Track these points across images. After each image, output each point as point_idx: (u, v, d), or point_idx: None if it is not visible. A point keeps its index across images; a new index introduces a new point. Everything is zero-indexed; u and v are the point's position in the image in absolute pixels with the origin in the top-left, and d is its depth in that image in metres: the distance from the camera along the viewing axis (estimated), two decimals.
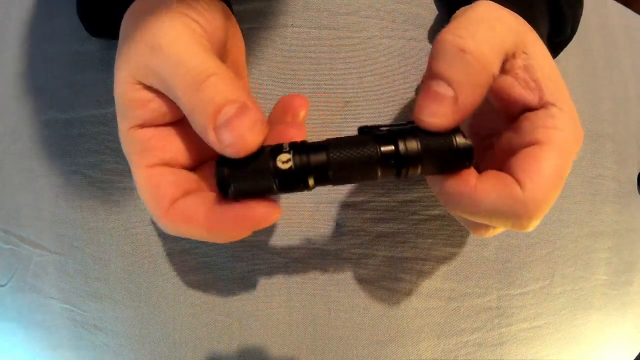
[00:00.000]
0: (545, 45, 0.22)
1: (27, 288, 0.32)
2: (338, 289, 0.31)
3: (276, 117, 0.22)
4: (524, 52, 0.20)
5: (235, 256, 0.30)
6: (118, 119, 0.20)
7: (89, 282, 0.31)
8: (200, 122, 0.18)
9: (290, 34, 0.30)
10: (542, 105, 0.20)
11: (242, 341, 0.31)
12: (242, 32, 0.25)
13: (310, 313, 0.31)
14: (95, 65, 0.31)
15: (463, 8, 0.21)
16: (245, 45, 0.26)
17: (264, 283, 0.31)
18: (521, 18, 0.21)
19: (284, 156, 0.18)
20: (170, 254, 0.31)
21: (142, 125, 0.20)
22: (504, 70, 0.20)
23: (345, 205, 0.31)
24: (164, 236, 0.31)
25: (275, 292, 0.31)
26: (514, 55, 0.20)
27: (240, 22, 0.25)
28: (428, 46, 0.32)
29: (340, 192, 0.31)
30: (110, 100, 0.30)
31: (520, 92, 0.20)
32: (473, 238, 0.32)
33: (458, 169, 0.19)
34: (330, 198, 0.31)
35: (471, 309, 0.33)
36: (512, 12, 0.21)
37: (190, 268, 0.31)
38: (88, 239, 0.31)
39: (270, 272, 0.31)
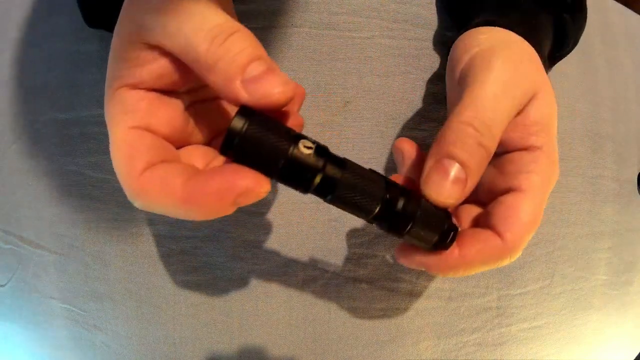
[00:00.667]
0: (546, 59, 0.23)
1: (27, 288, 0.32)
2: (338, 289, 0.31)
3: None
4: (528, 101, 0.21)
5: (235, 256, 0.30)
6: (108, 78, 0.19)
7: (89, 282, 0.31)
8: (224, 73, 0.17)
9: (290, 34, 0.30)
10: (527, 148, 0.22)
11: (242, 341, 0.31)
12: None
13: (310, 313, 0.31)
14: (95, 65, 0.31)
15: (476, 50, 0.22)
16: None
17: (264, 283, 0.31)
18: (538, 63, 0.22)
19: (307, 142, 0.18)
20: (170, 254, 0.31)
21: (134, 86, 0.19)
22: None
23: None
24: (164, 236, 0.31)
25: (275, 292, 0.31)
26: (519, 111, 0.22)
27: (240, 22, 0.25)
28: (428, 46, 0.32)
29: None
30: None
31: (509, 134, 0.21)
32: None
33: (440, 248, 0.20)
34: None
35: (471, 309, 0.33)
36: (528, 54, 0.22)
37: (190, 268, 0.31)
38: (88, 239, 0.31)
39: (270, 272, 0.31)
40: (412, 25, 0.32)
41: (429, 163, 0.21)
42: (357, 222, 0.31)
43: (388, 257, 0.31)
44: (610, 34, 0.39)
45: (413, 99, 0.31)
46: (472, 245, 0.21)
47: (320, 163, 0.18)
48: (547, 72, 0.24)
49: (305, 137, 0.18)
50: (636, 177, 0.38)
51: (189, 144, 0.22)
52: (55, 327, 0.32)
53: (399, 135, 0.31)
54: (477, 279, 0.33)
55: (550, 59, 0.28)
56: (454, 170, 0.20)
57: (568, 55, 0.30)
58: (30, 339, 0.33)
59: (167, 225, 0.31)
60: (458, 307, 0.32)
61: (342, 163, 0.19)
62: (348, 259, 0.31)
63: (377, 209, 0.19)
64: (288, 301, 0.31)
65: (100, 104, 0.31)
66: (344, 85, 0.30)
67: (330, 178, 0.18)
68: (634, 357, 0.40)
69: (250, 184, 0.17)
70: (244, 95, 0.17)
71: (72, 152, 0.31)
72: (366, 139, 0.31)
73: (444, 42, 0.32)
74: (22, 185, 0.32)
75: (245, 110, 0.17)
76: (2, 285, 0.32)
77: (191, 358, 0.31)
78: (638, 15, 0.42)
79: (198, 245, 0.30)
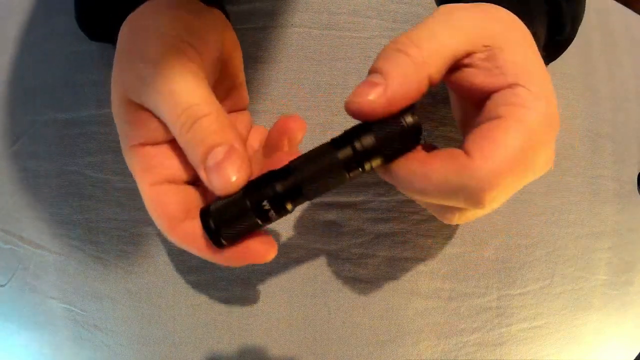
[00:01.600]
0: (544, 43, 0.22)
1: (27, 288, 0.32)
2: (338, 289, 0.31)
3: (272, 140, 0.23)
4: (486, 46, 0.20)
5: None
6: (120, 137, 0.21)
7: (89, 282, 0.31)
8: (192, 160, 0.19)
9: (290, 34, 0.30)
10: (508, 87, 0.20)
11: (242, 341, 0.31)
12: (242, 32, 0.25)
13: (310, 313, 0.31)
14: (95, 65, 0.31)
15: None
16: (246, 45, 0.26)
17: (264, 283, 0.31)
18: (492, 14, 0.21)
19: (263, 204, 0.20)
20: (170, 254, 0.31)
21: (143, 144, 0.21)
22: (465, 64, 0.20)
23: (345, 205, 0.31)
24: (163, 236, 0.31)
25: (275, 292, 0.31)
26: (473, 52, 0.20)
27: (240, 22, 0.25)
28: None
29: (340, 192, 0.31)
30: (110, 100, 0.30)
31: (483, 79, 0.20)
32: (473, 238, 0.32)
33: (412, 148, 0.20)
34: (331, 199, 0.31)
35: (471, 309, 0.33)
36: (481, 10, 0.21)
37: (190, 268, 0.31)
38: (88, 239, 0.31)
39: (270, 272, 0.31)
40: (412, 25, 0.32)
41: None
42: (357, 222, 0.31)
43: (388, 257, 0.32)
44: (610, 34, 0.39)
45: None
46: (437, 156, 0.19)
47: (276, 191, 0.19)
48: (547, 56, 0.23)
49: (253, 184, 0.20)
50: (636, 177, 0.38)
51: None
52: (55, 327, 0.32)
53: None
54: (477, 279, 0.33)
55: (552, 46, 0.27)
56: (370, 77, 0.19)
57: (568, 56, 0.30)
58: (30, 339, 0.33)
59: None
60: (458, 307, 0.32)
61: (289, 170, 0.20)
62: (348, 259, 0.31)
63: (347, 175, 0.19)
64: (288, 301, 0.31)
65: (100, 104, 0.31)
66: (344, 85, 0.30)
67: (292, 191, 0.19)
68: (634, 357, 0.40)
69: (260, 252, 0.20)
70: (208, 184, 0.19)
71: (72, 152, 0.31)
72: None
73: None
74: (22, 185, 0.32)
75: (203, 213, 0.20)
76: (2, 285, 0.32)
77: (191, 358, 0.31)
78: (638, 15, 0.42)
79: None
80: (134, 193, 0.30)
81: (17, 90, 0.32)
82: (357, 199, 0.31)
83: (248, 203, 0.19)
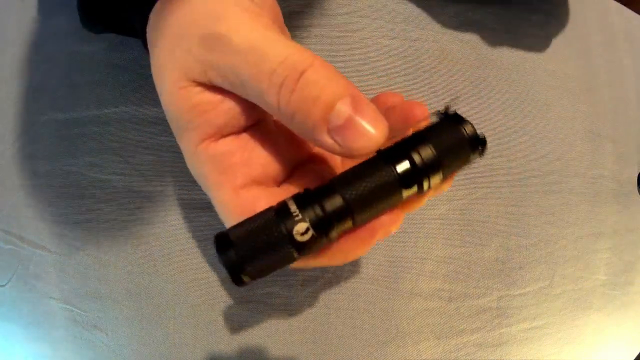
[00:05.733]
0: None
1: (27, 288, 0.32)
2: (338, 289, 0.31)
3: (395, 125, 0.17)
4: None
5: None
6: (180, 134, 0.17)
7: (89, 282, 0.31)
8: (306, 127, 0.15)
9: (290, 34, 0.30)
10: None
11: (242, 341, 0.31)
12: None
13: (310, 313, 0.31)
14: (95, 65, 0.31)
15: None
16: None
17: (264, 283, 0.31)
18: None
19: (300, 227, 0.15)
20: (170, 254, 0.31)
21: (216, 136, 0.16)
22: None
23: None
24: (163, 236, 0.31)
25: (275, 292, 0.31)
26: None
27: None
28: (428, 46, 0.32)
29: None
30: (110, 100, 0.30)
31: None
32: (473, 238, 0.32)
33: (472, 158, 0.18)
34: None
35: (471, 310, 0.33)
36: None
37: (190, 268, 0.31)
38: (88, 239, 0.31)
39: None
40: (412, 25, 0.32)
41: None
42: None
43: (387, 257, 0.31)
44: (610, 34, 0.39)
45: (413, 99, 0.31)
46: None
47: (321, 215, 0.15)
48: None
49: (285, 208, 0.16)
50: (636, 177, 0.38)
51: (299, 162, 0.19)
52: (55, 327, 0.32)
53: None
54: (477, 279, 0.33)
55: None
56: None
57: (568, 56, 0.30)
58: (30, 339, 0.33)
59: (167, 226, 0.31)
60: (458, 308, 0.32)
61: (333, 188, 0.16)
62: None
63: (403, 193, 0.16)
64: (288, 301, 0.31)
65: (100, 104, 0.31)
66: None
67: (340, 214, 0.16)
68: (634, 357, 0.40)
69: (387, 221, 0.16)
70: (337, 148, 0.15)
71: (72, 152, 0.31)
72: None
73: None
74: (22, 185, 0.32)
75: (221, 241, 0.16)
76: (2, 285, 0.32)
77: (191, 358, 0.31)
78: (638, 15, 0.41)
79: (198, 245, 0.30)
80: (134, 193, 0.30)
81: (17, 90, 0.32)
82: None
83: (283, 228, 0.15)
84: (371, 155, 0.16)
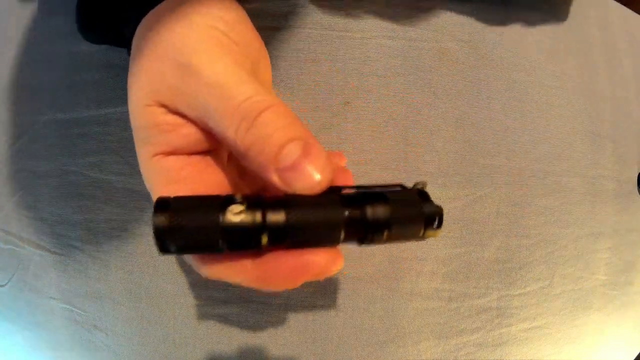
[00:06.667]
0: None
1: (27, 288, 0.32)
2: (338, 289, 0.31)
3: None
4: None
5: None
6: (138, 144, 0.18)
7: (89, 282, 0.31)
8: (257, 163, 0.16)
9: (290, 35, 0.30)
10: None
11: (242, 341, 0.31)
12: None
13: (310, 313, 0.31)
14: (95, 65, 0.31)
15: None
16: None
17: None
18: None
19: (236, 207, 0.16)
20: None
21: (170, 153, 0.17)
22: None
23: None
24: None
25: (275, 292, 0.31)
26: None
27: None
28: (428, 46, 0.32)
29: None
30: (110, 100, 0.30)
31: None
32: (473, 238, 0.32)
33: (426, 235, 0.18)
34: None
35: (471, 310, 0.33)
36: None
37: (190, 268, 0.31)
38: (88, 239, 0.31)
39: None
40: (412, 25, 0.32)
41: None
42: None
43: (388, 257, 0.31)
44: (610, 34, 0.39)
45: (413, 99, 0.31)
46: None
47: (258, 217, 0.16)
48: None
49: (231, 199, 0.16)
50: (636, 177, 0.38)
51: (246, 190, 0.20)
52: (55, 327, 0.32)
53: (399, 136, 0.31)
54: (477, 279, 0.33)
55: None
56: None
57: (568, 56, 0.30)
58: (30, 339, 0.33)
59: None
60: (458, 308, 0.32)
61: (284, 204, 0.16)
62: (348, 259, 0.31)
63: (342, 235, 0.17)
64: (288, 301, 0.31)
65: (100, 104, 0.31)
66: (344, 85, 0.30)
67: (276, 229, 0.16)
68: (634, 357, 0.40)
69: (324, 262, 0.16)
70: (282, 186, 0.16)
71: (72, 152, 0.31)
72: (366, 139, 0.31)
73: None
74: (23, 185, 0.32)
75: (160, 204, 0.16)
76: (2, 285, 0.32)
77: (191, 358, 0.31)
78: (638, 15, 0.42)
79: None
80: (134, 193, 0.30)
81: (17, 90, 0.32)
82: None
83: (220, 218, 0.15)
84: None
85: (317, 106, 0.30)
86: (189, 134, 0.17)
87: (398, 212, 0.17)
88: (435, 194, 0.31)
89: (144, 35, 0.18)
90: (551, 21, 0.36)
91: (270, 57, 0.30)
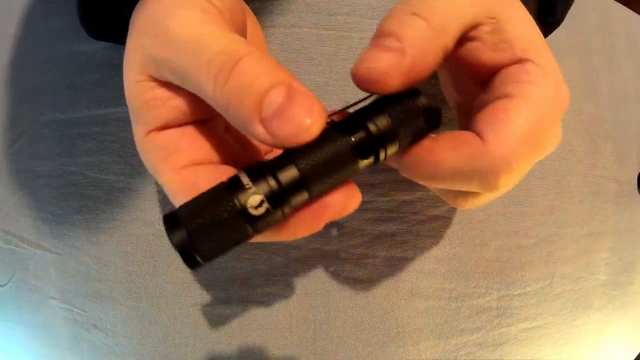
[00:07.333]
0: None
1: (27, 288, 0.32)
2: (338, 289, 0.31)
3: None
4: (491, 17, 0.18)
5: (236, 256, 0.30)
6: (133, 124, 0.18)
7: (89, 282, 0.31)
8: (240, 117, 0.15)
9: (290, 34, 0.30)
10: (516, 62, 0.18)
11: (242, 341, 0.31)
12: None
13: (310, 313, 0.31)
14: (95, 65, 0.31)
15: None
16: None
17: (264, 283, 0.31)
18: None
19: (254, 199, 0.15)
20: (170, 254, 0.31)
21: (163, 128, 0.17)
22: (470, 38, 0.19)
23: None
24: (163, 236, 0.30)
25: (275, 292, 0.31)
26: (479, 24, 0.18)
27: None
28: None
29: None
30: (110, 100, 0.30)
31: (490, 54, 0.18)
32: (473, 238, 0.32)
33: (428, 134, 0.18)
34: None
35: (471, 309, 0.33)
36: None
37: None
38: (88, 239, 0.31)
39: (270, 273, 0.31)
40: None
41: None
42: (357, 222, 0.31)
43: (387, 257, 0.32)
44: (610, 34, 0.39)
45: None
46: (444, 140, 0.17)
47: (276, 187, 0.15)
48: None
49: (237, 181, 0.15)
50: (636, 177, 0.38)
51: (248, 157, 0.20)
52: (55, 327, 0.32)
53: None
54: (477, 279, 0.33)
55: (541, 28, 0.26)
56: (384, 40, 0.16)
57: (568, 56, 0.30)
58: (30, 338, 0.33)
59: None
60: (458, 308, 0.32)
61: (289, 159, 0.15)
62: (348, 259, 0.31)
63: (359, 163, 0.16)
64: (288, 301, 0.31)
65: (100, 104, 0.31)
66: (344, 85, 0.30)
67: (295, 186, 0.15)
68: (634, 357, 0.40)
69: (341, 199, 0.16)
70: (269, 138, 0.15)
71: (72, 152, 0.31)
72: None
73: None
74: (23, 185, 0.32)
75: (169, 220, 0.15)
76: (2, 285, 0.32)
77: (191, 358, 0.31)
78: (638, 15, 0.42)
79: None
80: (134, 193, 0.30)
81: (17, 90, 0.32)
82: None
83: (237, 203, 0.14)
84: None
85: None
86: (178, 106, 0.17)
87: (398, 116, 0.16)
88: (435, 194, 0.31)
89: (135, 16, 0.18)
90: None
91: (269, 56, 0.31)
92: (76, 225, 0.31)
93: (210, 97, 0.15)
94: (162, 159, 0.17)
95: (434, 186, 0.20)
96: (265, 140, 0.15)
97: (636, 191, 0.38)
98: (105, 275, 0.31)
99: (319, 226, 0.16)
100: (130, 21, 0.18)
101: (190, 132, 0.17)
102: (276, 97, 0.14)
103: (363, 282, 0.31)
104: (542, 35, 0.19)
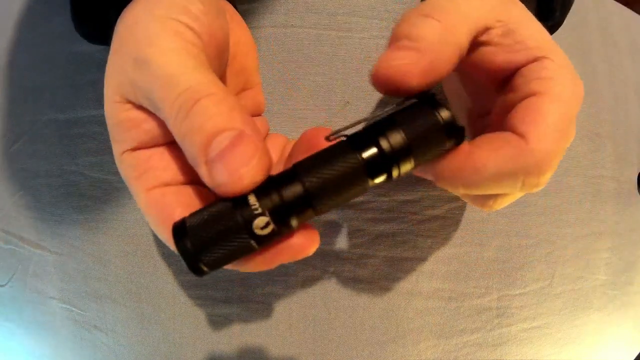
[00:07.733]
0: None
1: (27, 288, 0.32)
2: (338, 289, 0.31)
3: (300, 154, 0.18)
4: (499, 21, 0.18)
5: None
6: (111, 141, 0.18)
7: (89, 282, 0.31)
8: (190, 155, 0.15)
9: (290, 34, 0.30)
10: (532, 61, 0.19)
11: (242, 341, 0.31)
12: None
13: (310, 313, 0.31)
14: (95, 65, 0.31)
15: None
16: None
17: (264, 283, 0.31)
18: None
19: (260, 221, 0.15)
20: (170, 254, 0.31)
21: (136, 148, 0.18)
22: (482, 42, 0.19)
23: (345, 205, 0.31)
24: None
25: (275, 292, 0.31)
26: (489, 27, 0.19)
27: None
28: None
29: None
30: None
31: (505, 56, 0.19)
32: (473, 238, 0.32)
33: (451, 150, 0.17)
34: None
35: (471, 309, 0.33)
36: None
37: None
38: (88, 239, 0.31)
39: (270, 273, 0.31)
40: None
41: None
42: (357, 222, 0.31)
43: (388, 257, 0.32)
44: (610, 34, 0.39)
45: None
46: (484, 144, 0.17)
47: (279, 204, 0.15)
48: None
49: (244, 200, 0.15)
50: (636, 177, 0.38)
51: None
52: (55, 327, 0.32)
53: None
54: (477, 279, 0.33)
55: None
56: (400, 42, 0.17)
57: (568, 56, 0.30)
58: (30, 339, 0.33)
59: None
60: (458, 307, 0.32)
61: (294, 174, 0.15)
62: (348, 259, 0.31)
63: (369, 181, 0.15)
64: (288, 301, 0.31)
65: (100, 104, 0.31)
66: (344, 85, 0.30)
67: (300, 203, 0.15)
68: (634, 357, 0.40)
69: (301, 243, 0.16)
70: (209, 181, 0.15)
71: (72, 152, 0.31)
72: None
73: None
74: (22, 185, 0.32)
75: (177, 229, 0.15)
76: (2, 285, 0.32)
77: (191, 358, 0.31)
78: (638, 16, 0.41)
79: None
80: None
81: (17, 90, 0.32)
82: (357, 199, 0.31)
83: (240, 218, 0.15)
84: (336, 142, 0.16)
85: (317, 106, 0.30)
86: (151, 129, 0.17)
87: (414, 131, 0.15)
88: (435, 194, 0.31)
89: (116, 33, 0.18)
90: None
91: (270, 56, 0.31)
92: (76, 225, 0.31)
93: (171, 128, 0.16)
94: (135, 178, 0.18)
95: (474, 193, 0.19)
96: (207, 182, 0.15)
97: (636, 191, 0.38)
98: (105, 275, 0.31)
99: (270, 266, 0.17)
100: (114, 34, 0.18)
101: (162, 153, 0.18)
102: (223, 141, 0.15)
103: (363, 282, 0.31)
104: (549, 33, 0.20)
